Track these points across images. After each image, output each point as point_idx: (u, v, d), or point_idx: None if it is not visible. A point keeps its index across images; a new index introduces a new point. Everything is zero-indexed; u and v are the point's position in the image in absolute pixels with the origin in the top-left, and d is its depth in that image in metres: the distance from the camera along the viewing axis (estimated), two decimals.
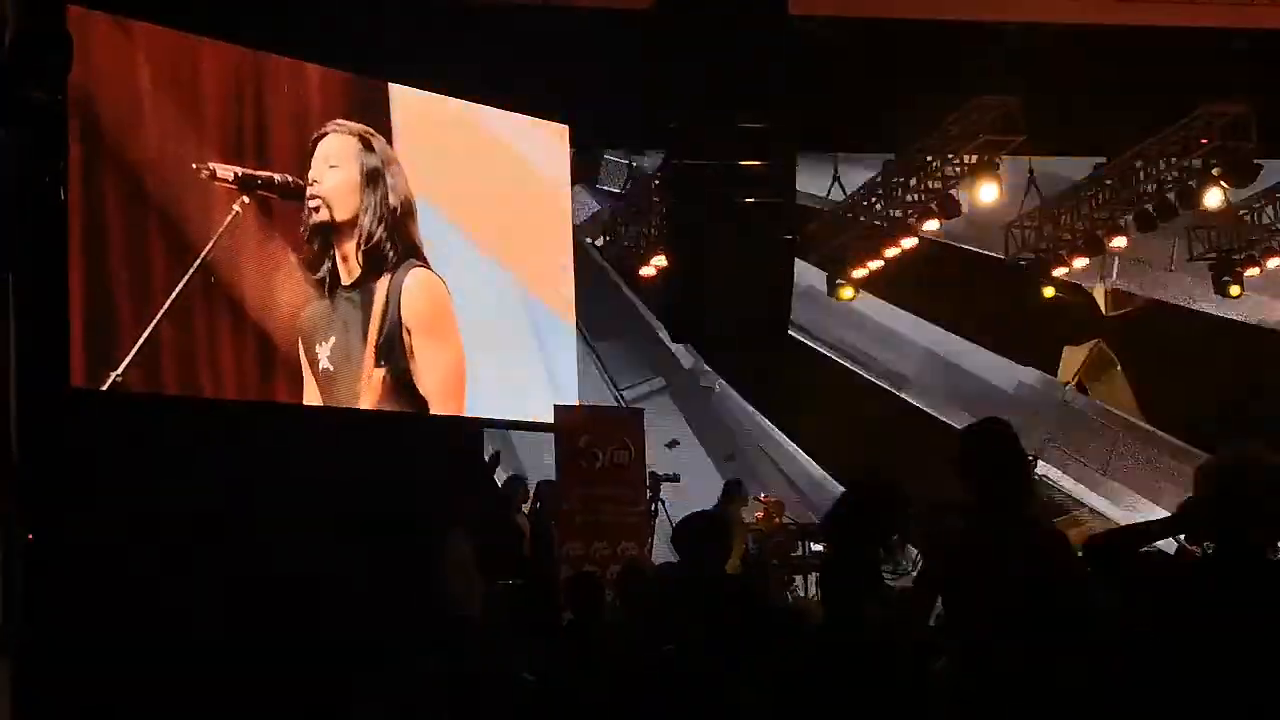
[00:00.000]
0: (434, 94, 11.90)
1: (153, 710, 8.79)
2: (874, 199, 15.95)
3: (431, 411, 11.55)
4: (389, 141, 11.39)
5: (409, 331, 11.29)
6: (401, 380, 11.30)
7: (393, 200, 11.26)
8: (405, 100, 11.67)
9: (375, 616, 9.99)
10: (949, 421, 17.52)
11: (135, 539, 9.31)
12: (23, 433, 8.53)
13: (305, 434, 10.57)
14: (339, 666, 9.41)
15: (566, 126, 12.85)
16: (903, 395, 19.28)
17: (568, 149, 13.04)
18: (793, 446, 18.73)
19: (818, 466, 18.38)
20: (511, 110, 12.36)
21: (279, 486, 10.00)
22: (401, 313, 11.23)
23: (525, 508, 12.35)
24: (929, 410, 18.87)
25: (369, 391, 11.12)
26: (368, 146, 11.19)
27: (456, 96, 11.96)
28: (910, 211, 15.46)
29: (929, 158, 14.91)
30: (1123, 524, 4.94)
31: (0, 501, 8.38)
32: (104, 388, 9.58)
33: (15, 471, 8.47)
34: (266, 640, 9.42)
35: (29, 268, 8.90)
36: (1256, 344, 18.04)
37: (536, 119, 12.58)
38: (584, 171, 15.92)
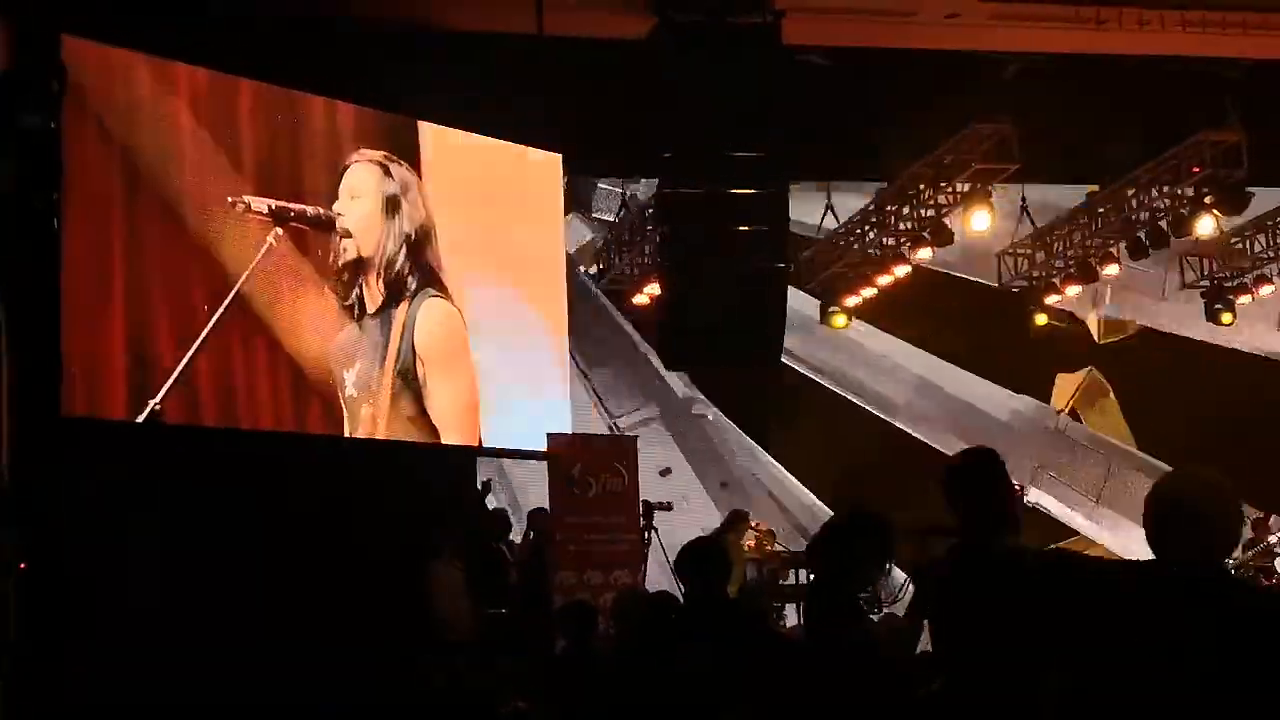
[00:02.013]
0: (443, 126, 11.98)
1: None
2: (867, 227, 15.97)
3: (443, 441, 11.62)
4: (419, 174, 11.53)
5: (422, 361, 11.41)
6: (415, 409, 11.39)
7: (411, 226, 11.38)
8: (433, 135, 11.80)
9: (369, 642, 9.98)
10: (941, 449, 17.51)
11: (135, 566, 9.32)
12: (16, 461, 8.53)
13: (301, 461, 10.59)
14: (335, 691, 9.41)
15: (560, 155, 12.86)
16: (895, 422, 19.30)
17: (561, 177, 13.04)
18: (786, 474, 18.70)
19: (811, 494, 18.36)
20: (505, 139, 12.38)
21: (273, 511, 10.02)
22: (415, 343, 11.35)
23: (515, 536, 12.34)
24: (921, 437, 18.88)
25: (385, 419, 11.20)
26: (387, 173, 11.32)
27: (451, 126, 11.98)
28: (903, 239, 15.48)
29: (922, 186, 14.93)
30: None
31: None
32: (142, 417, 9.74)
33: (8, 500, 8.47)
34: (261, 664, 9.42)
35: (22, 296, 8.92)
36: (1248, 372, 18.06)
37: (530, 147, 12.59)
38: (578, 200, 15.96)
